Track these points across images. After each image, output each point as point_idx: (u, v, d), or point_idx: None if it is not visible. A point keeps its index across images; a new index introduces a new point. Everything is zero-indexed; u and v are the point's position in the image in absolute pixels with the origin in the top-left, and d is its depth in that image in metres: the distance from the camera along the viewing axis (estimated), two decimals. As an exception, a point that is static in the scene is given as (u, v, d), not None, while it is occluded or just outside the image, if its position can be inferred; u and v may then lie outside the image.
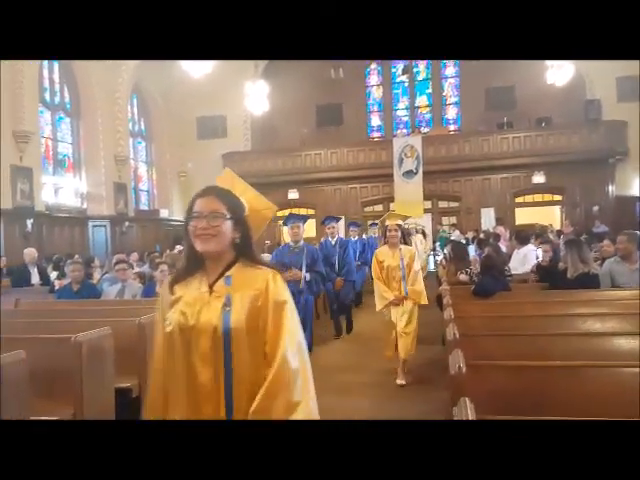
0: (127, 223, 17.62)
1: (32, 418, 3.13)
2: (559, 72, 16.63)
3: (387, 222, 6.00)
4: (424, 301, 5.85)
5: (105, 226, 16.75)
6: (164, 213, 19.94)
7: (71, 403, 3.66)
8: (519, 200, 19.75)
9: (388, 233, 5.88)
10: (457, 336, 3.27)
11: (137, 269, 9.42)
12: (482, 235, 13.15)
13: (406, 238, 6.46)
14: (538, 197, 19.79)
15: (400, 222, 6.00)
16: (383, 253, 5.93)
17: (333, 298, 8.36)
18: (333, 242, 8.56)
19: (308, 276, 6.48)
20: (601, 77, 17.56)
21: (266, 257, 8.36)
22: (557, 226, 16.97)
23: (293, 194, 20.39)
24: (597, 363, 2.93)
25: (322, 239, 9.45)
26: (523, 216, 19.10)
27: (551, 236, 11.53)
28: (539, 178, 18.59)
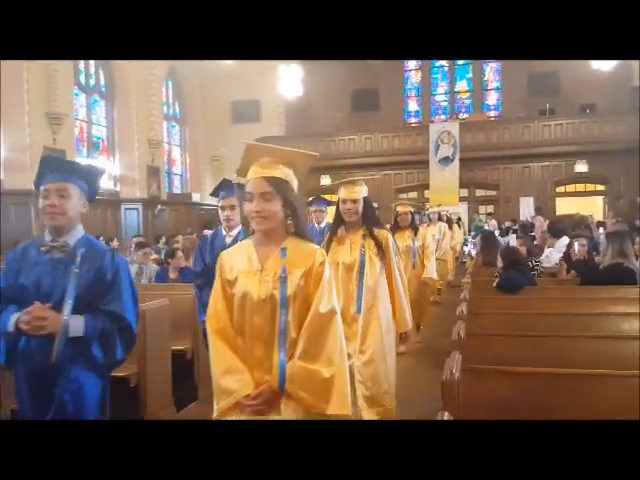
0: (159, 206, 17.71)
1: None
2: (605, 57, 15.91)
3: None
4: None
5: (137, 209, 16.88)
6: (196, 197, 19.97)
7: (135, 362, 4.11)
8: (560, 190, 19.06)
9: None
10: (462, 336, 2.99)
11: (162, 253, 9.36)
12: (517, 226, 12.72)
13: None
14: (580, 187, 19.07)
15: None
16: (233, 258, 2.22)
17: None
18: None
19: (79, 326, 2.33)
20: (649, 62, 16.68)
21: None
22: (599, 217, 16.31)
23: (326, 180, 20.11)
24: (617, 373, 2.60)
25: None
26: (564, 206, 18.41)
27: (591, 227, 11.02)
28: (582, 167, 17.86)
